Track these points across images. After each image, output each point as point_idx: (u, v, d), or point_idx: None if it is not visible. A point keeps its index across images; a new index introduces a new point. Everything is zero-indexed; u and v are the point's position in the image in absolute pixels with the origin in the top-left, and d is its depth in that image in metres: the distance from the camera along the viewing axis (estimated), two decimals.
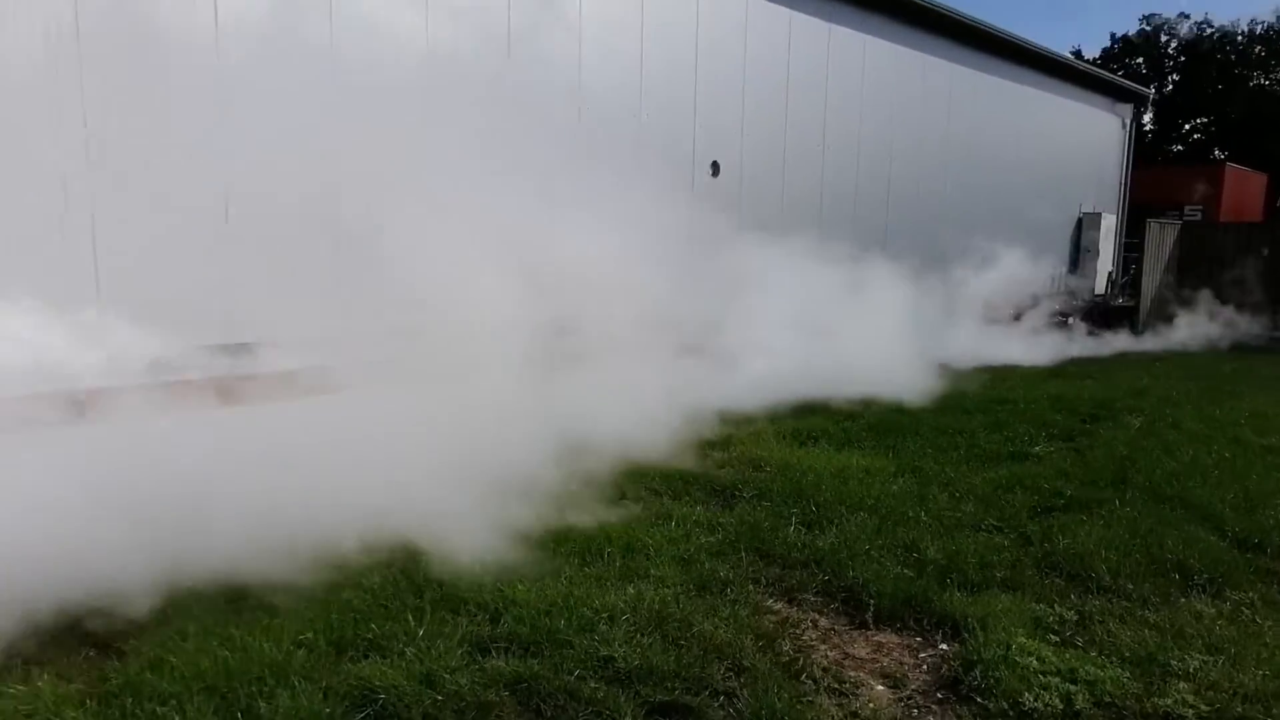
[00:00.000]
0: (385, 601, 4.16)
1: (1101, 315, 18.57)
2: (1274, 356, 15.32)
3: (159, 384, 5.56)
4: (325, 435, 5.23)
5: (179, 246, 6.43)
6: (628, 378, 8.06)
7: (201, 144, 6.37)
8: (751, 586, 4.62)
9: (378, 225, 6.09)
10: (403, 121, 6.39)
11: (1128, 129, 22.51)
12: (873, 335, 9.91)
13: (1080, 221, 20.80)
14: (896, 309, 10.38)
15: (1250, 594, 4.69)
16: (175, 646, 3.73)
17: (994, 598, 4.50)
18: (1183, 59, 46.21)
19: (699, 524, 5.48)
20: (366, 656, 3.72)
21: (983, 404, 9.62)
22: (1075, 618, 4.36)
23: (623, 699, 3.50)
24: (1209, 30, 45.60)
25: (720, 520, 5.55)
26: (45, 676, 3.58)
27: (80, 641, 3.84)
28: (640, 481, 6.28)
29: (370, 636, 3.84)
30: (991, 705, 3.61)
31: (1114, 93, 22.03)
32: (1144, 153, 31.26)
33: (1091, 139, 21.25)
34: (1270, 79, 44.45)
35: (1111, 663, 3.92)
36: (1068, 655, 3.95)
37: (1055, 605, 4.48)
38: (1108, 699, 3.65)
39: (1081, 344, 15.58)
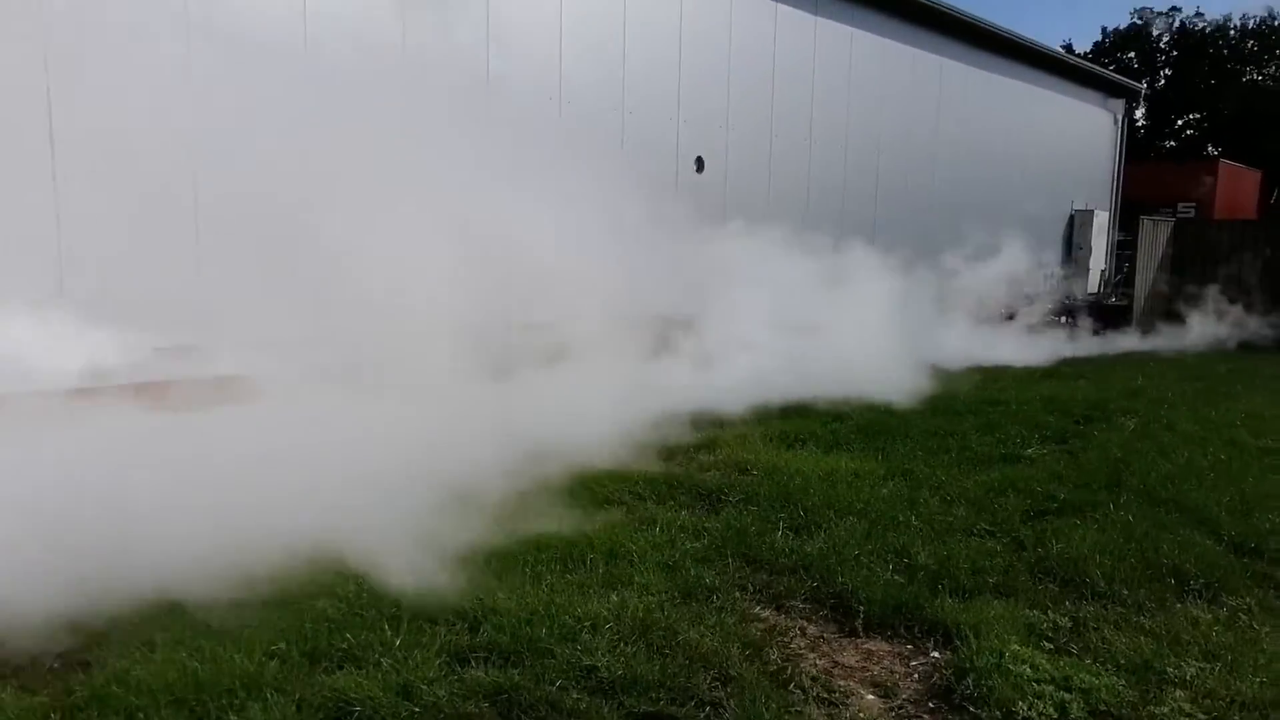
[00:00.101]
0: (361, 610, 4.13)
1: (1095, 314, 18.69)
2: (1271, 356, 15.47)
3: (83, 389, 5.43)
4: (275, 443, 5.13)
5: (99, 239, 6.29)
6: (605, 378, 8.08)
7: (119, 136, 6.18)
8: (738, 593, 4.62)
9: (327, 223, 5.96)
10: (359, 116, 6.32)
11: (1120, 124, 22.68)
12: (861, 334, 9.94)
13: (1072, 219, 20.95)
14: (885, 307, 10.41)
15: (1247, 599, 4.72)
16: (142, 658, 3.69)
17: (986, 604, 4.51)
18: (1175, 53, 46.62)
19: (684, 529, 5.47)
20: (341, 667, 3.69)
21: (974, 405, 9.66)
22: (1069, 624, 4.38)
23: (606, 710, 3.48)
24: (1200, 24, 46.03)
25: (706, 525, 5.55)
26: (8, 689, 3.53)
27: (43, 653, 3.79)
28: (623, 485, 6.27)
29: (345, 647, 3.81)
30: (984, 715, 3.61)
31: (1106, 87, 22.19)
32: (1136, 149, 31.48)
33: (1083, 134, 21.40)
34: (1263, 74, 44.90)
35: (1107, 670, 3.93)
36: (1062, 663, 3.97)
37: (1049, 612, 4.50)
38: (1103, 708, 3.67)
39: (1074, 343, 15.69)
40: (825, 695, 3.76)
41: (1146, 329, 17.68)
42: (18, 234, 6.34)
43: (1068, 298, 18.68)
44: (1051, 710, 3.61)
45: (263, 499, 4.64)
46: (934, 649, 4.19)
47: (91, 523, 4.25)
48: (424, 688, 3.53)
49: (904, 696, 3.82)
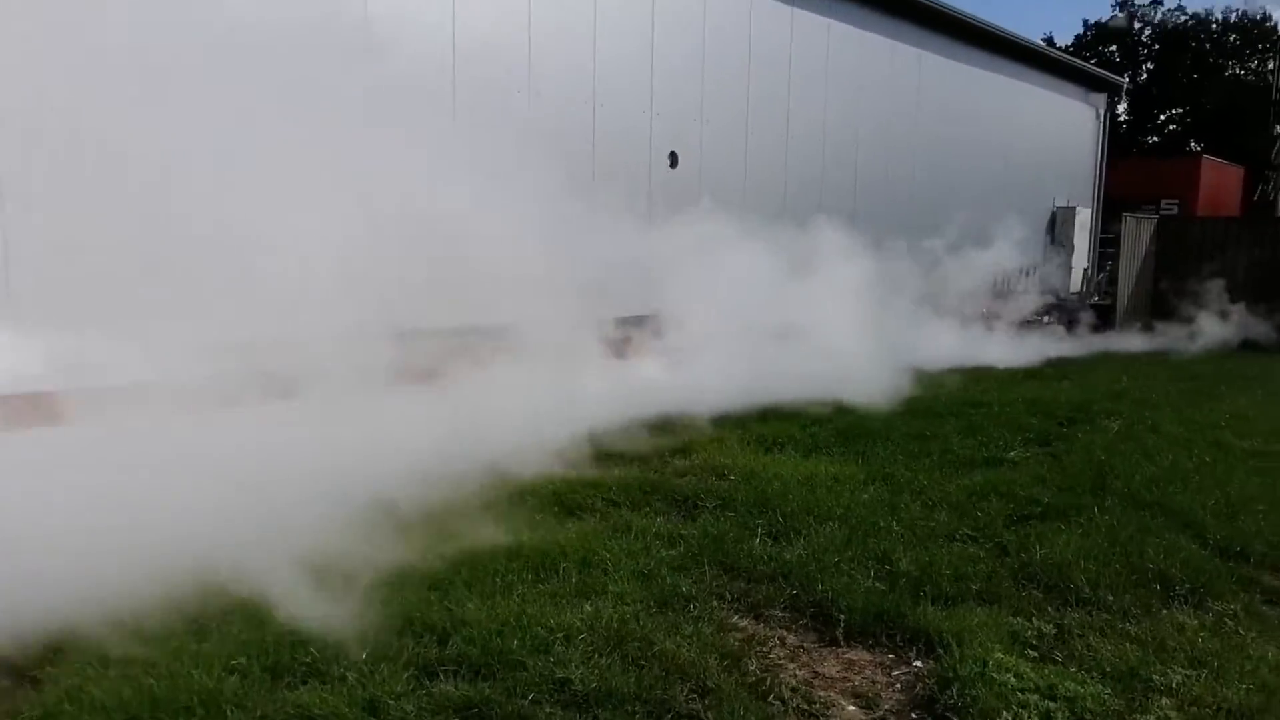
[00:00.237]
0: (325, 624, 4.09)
1: (1077, 313, 18.89)
2: (1256, 356, 15.70)
3: None
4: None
5: None
6: (568, 381, 8.07)
7: None
8: (715, 602, 4.63)
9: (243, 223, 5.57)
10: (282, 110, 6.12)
11: (1102, 119, 22.93)
12: (840, 334, 9.98)
13: (1055, 216, 21.15)
14: (864, 306, 10.46)
15: (1233, 604, 4.79)
16: (96, 675, 3.65)
17: (969, 611, 4.55)
18: (1157, 47, 47.22)
19: (659, 536, 5.48)
20: (305, 683, 3.66)
21: (956, 407, 9.74)
22: (1054, 631, 4.42)
23: None
24: (1183, 18, 46.67)
25: (682, 532, 5.55)
26: None
27: None
28: (596, 492, 6.26)
29: (309, 661, 3.78)
30: None
31: (1088, 82, 22.43)
32: (1119, 144, 31.88)
33: (1065, 130, 21.62)
34: (1246, 68, 45.58)
35: (1092, 678, 3.98)
36: (1047, 671, 4.00)
37: (1033, 618, 4.54)
38: (1088, 716, 3.71)
39: (1057, 343, 15.84)
40: (805, 707, 3.78)
41: (1129, 328, 17.88)
42: None
43: (1050, 296, 18.85)
44: (1036, 719, 3.65)
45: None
46: (916, 658, 4.21)
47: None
48: (391, 703, 3.51)
49: (886, 707, 3.85)
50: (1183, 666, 4.09)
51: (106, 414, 4.97)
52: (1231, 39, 46.18)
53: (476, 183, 7.01)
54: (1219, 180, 30.20)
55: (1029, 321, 16.80)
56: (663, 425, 8.38)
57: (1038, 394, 10.78)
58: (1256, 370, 13.76)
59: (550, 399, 7.50)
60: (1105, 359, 14.95)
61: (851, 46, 14.95)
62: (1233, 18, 46.05)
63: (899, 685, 4.01)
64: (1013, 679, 3.89)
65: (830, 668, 4.14)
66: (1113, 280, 19.29)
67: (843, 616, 4.48)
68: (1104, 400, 10.46)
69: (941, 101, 17.18)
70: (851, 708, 3.84)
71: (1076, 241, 21.22)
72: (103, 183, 5.23)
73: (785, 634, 4.41)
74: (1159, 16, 46.87)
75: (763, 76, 13.27)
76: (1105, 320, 18.37)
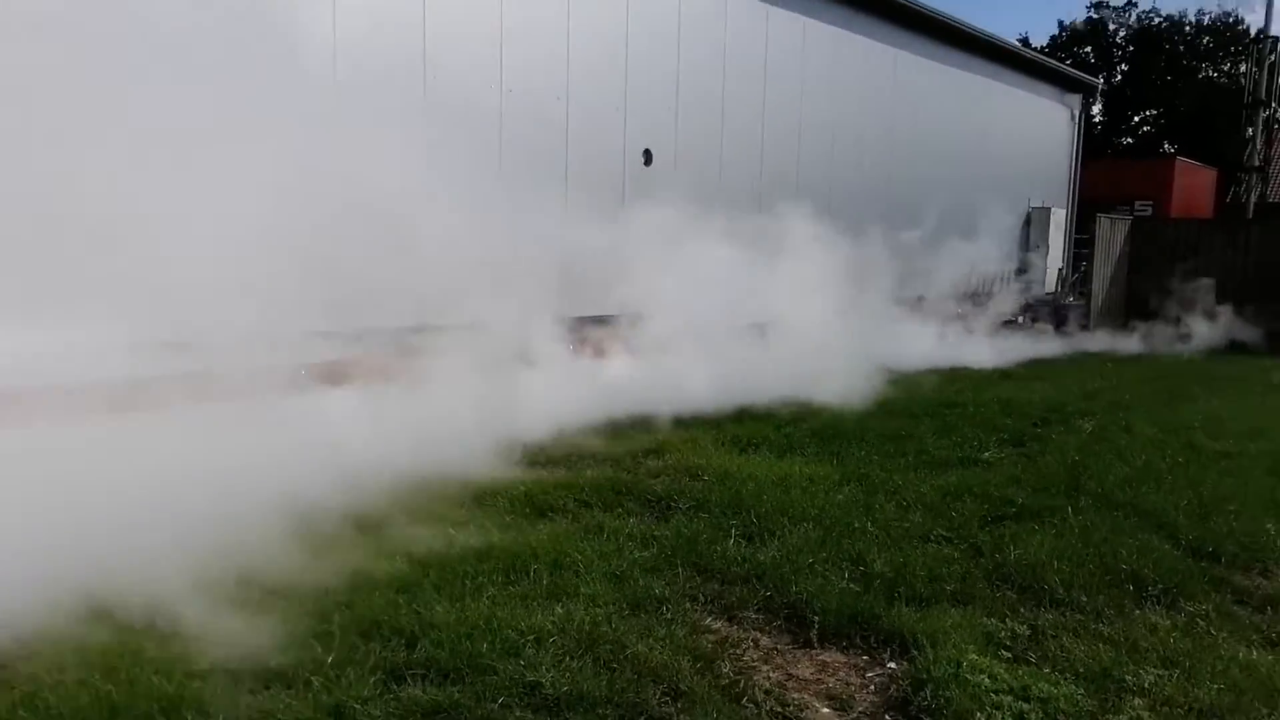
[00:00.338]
0: (290, 626, 4.06)
1: (1052, 314, 19.08)
2: (1229, 357, 15.90)
3: None
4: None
5: None
6: (537, 380, 8.07)
7: None
8: (689, 604, 4.62)
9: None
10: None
11: (1077, 120, 23.16)
12: (814, 334, 10.02)
13: (1029, 216, 21.32)
14: (839, 306, 10.50)
15: (1205, 605, 4.84)
16: (52, 680, 3.59)
17: (944, 612, 4.57)
18: (1131, 49, 47.75)
19: (632, 537, 5.47)
20: (269, 688, 3.63)
21: (930, 408, 9.80)
22: (1028, 632, 4.45)
23: None
24: (1157, 19, 47.23)
25: (655, 533, 5.55)
26: None
27: None
28: (568, 493, 6.25)
29: (273, 665, 3.74)
30: None
31: (1063, 82, 22.64)
32: (1093, 145, 32.20)
33: (1040, 130, 21.82)
34: (1219, 70, 46.18)
35: (1065, 679, 4.01)
36: (1020, 672, 4.03)
37: (1007, 619, 4.57)
38: (1061, 717, 3.73)
39: (1032, 344, 15.98)
40: (779, 709, 3.78)
41: (1104, 328, 18.07)
42: None
43: (1025, 297, 19.02)
44: None
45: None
46: (890, 659, 4.23)
47: None
48: (357, 707, 3.49)
49: (860, 709, 3.86)
50: (1155, 667, 4.13)
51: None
52: (1205, 41, 46.78)
53: (438, 180, 6.95)
54: (1192, 182, 30.60)
55: (1005, 321, 16.93)
56: (635, 425, 8.40)
57: (1012, 394, 10.87)
58: (1230, 371, 13.95)
59: (516, 399, 7.50)
60: (1080, 359, 15.11)
61: (827, 46, 15.01)
62: (1206, 20, 46.66)
63: (873, 687, 4.02)
64: (986, 680, 3.91)
65: (804, 670, 4.14)
66: (1087, 281, 19.48)
67: (817, 618, 4.49)
68: (1078, 401, 10.57)
69: (917, 102, 17.29)
70: (825, 710, 3.85)
71: (1051, 242, 21.42)
72: None
73: (759, 636, 4.41)
74: (1133, 18, 47.45)
75: (738, 77, 13.30)
76: (1080, 321, 18.56)
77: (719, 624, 4.49)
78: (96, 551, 4.22)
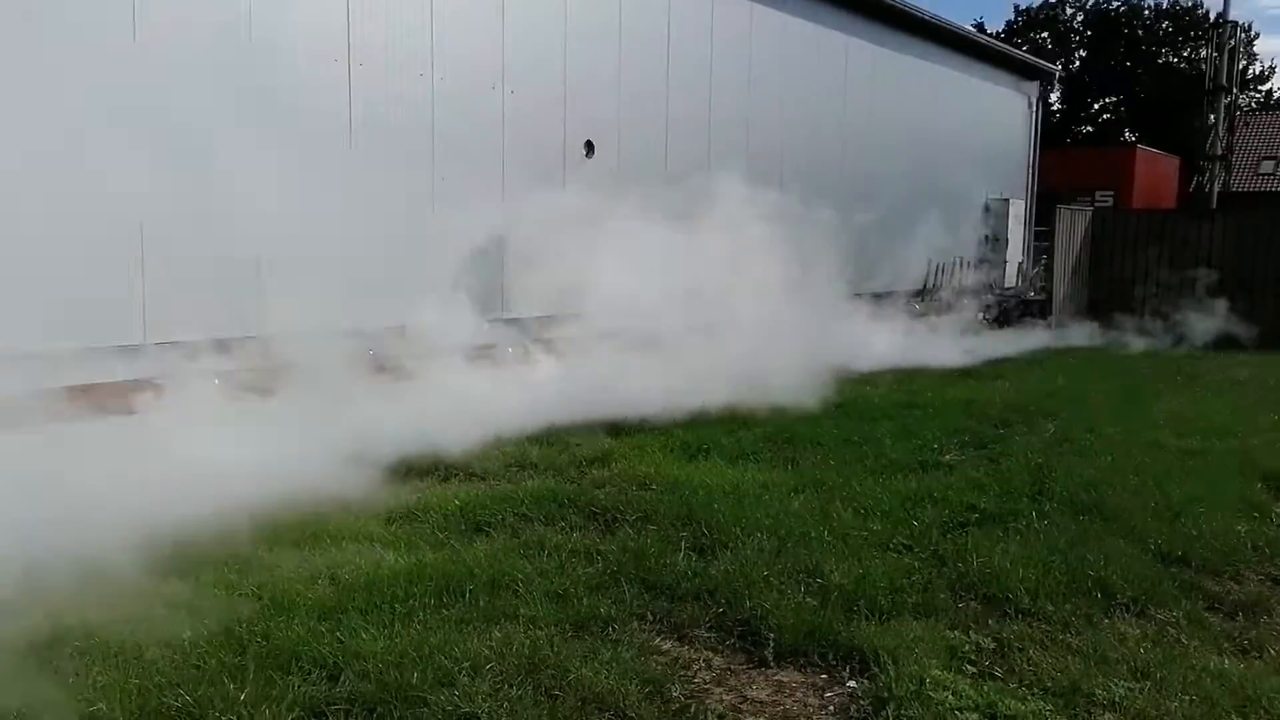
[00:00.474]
0: (198, 661, 3.92)
1: (1013, 309, 19.31)
2: (1193, 353, 16.18)
3: None
4: None
5: None
6: (469, 383, 7.98)
7: None
8: (636, 624, 4.56)
9: None
10: None
11: (1034, 108, 23.49)
12: (766, 333, 10.01)
13: (987, 208, 21.56)
14: (792, 303, 10.50)
15: (1175, 612, 4.87)
16: None
17: (905, 626, 4.55)
18: (1089, 34, 48.68)
19: (575, 553, 5.40)
20: None
21: (889, 409, 9.84)
22: (993, 645, 4.44)
23: None
24: (1115, 3, 48.18)
25: (600, 548, 5.48)
26: None
27: None
28: (506, 506, 6.16)
29: (180, 704, 3.60)
30: None
31: (1020, 69, 22.96)
32: (1052, 134, 32.73)
33: (997, 119, 22.09)
34: (1179, 56, 47.23)
35: (1033, 694, 4.00)
36: (986, 688, 4.01)
37: (971, 632, 4.56)
38: None
39: (992, 341, 16.14)
40: None
41: (1065, 323, 18.32)
42: None
43: (985, 292, 19.24)
44: None
45: None
46: (850, 677, 4.19)
47: None
48: None
49: None
50: (1125, 679, 4.13)
51: None
52: (1164, 26, 47.82)
53: (363, 182, 6.85)
54: (1154, 171, 31.27)
55: (965, 317, 17.10)
56: (580, 432, 8.32)
57: (973, 394, 10.96)
58: (1194, 367, 14.20)
59: (450, 406, 7.40)
60: (1041, 356, 15.28)
61: (775, 33, 15.06)
62: (1164, 4, 47.69)
63: (832, 707, 3.98)
64: (951, 697, 3.89)
65: (759, 691, 4.09)
66: (1048, 274, 19.74)
67: (772, 635, 4.45)
68: (1040, 400, 10.67)
69: (870, 90, 17.41)
70: None
71: (1011, 235, 21.68)
72: None
73: (711, 655, 4.36)
74: (1090, 3, 48.34)
75: (683, 63, 13.28)
76: (1041, 315, 18.80)
77: (669, 644, 4.43)
78: None
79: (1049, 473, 7.29)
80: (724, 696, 4.02)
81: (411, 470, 7.06)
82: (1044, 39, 48.22)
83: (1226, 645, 4.57)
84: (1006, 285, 21.08)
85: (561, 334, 10.04)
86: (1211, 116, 26.17)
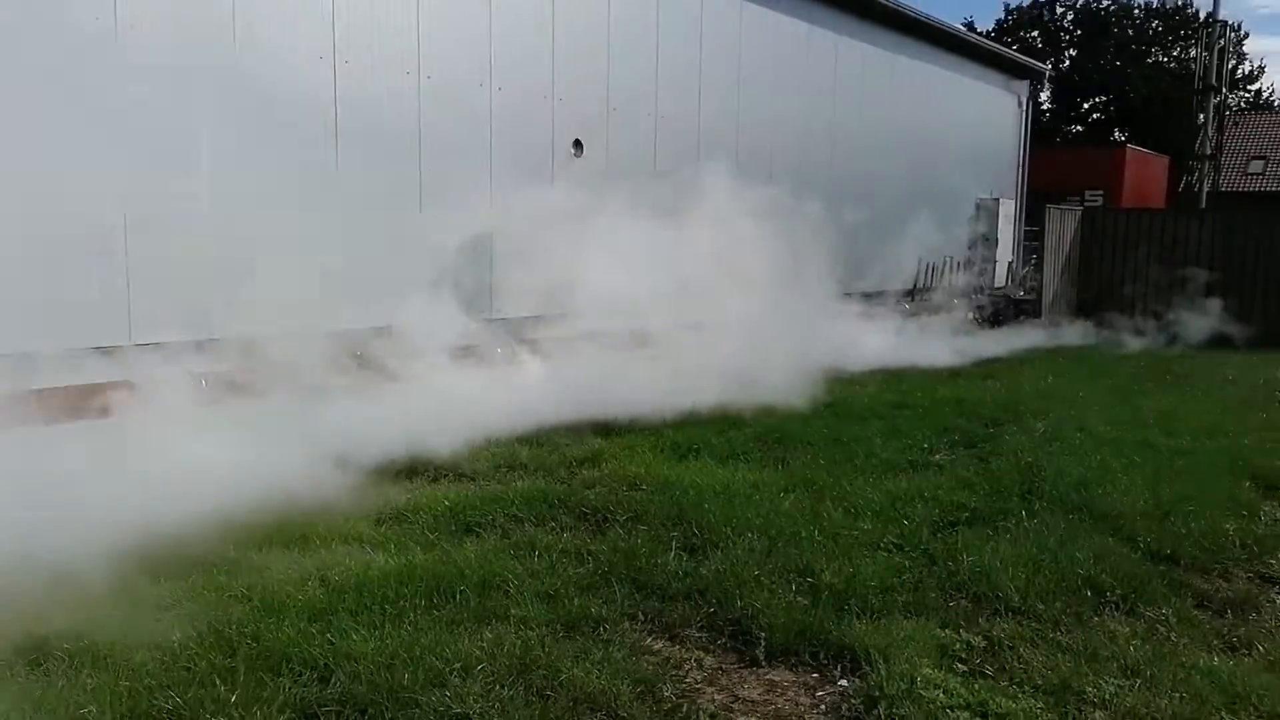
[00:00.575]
0: (188, 663, 3.93)
1: (1003, 309, 19.39)
2: (1182, 352, 16.27)
3: None
4: None
5: None
6: (460, 383, 7.99)
7: None
8: (627, 624, 4.58)
9: None
10: None
11: (1025, 108, 23.57)
12: (757, 333, 10.04)
13: (977, 208, 21.61)
14: (782, 304, 10.54)
15: (1164, 610, 4.92)
16: None
17: (896, 625, 4.58)
18: (1079, 33, 48.86)
19: (566, 553, 5.42)
20: None
21: (879, 408, 9.88)
22: (984, 644, 4.48)
23: None
24: (1105, 2, 48.38)
25: (591, 548, 5.50)
26: None
27: None
28: (496, 507, 6.18)
29: (170, 707, 3.61)
30: None
31: (1010, 69, 23.03)
32: (1042, 133, 32.86)
33: (987, 118, 22.16)
34: (1169, 56, 47.46)
35: (1024, 693, 4.04)
36: (977, 686, 4.05)
37: (962, 631, 4.60)
38: None
39: (982, 341, 16.20)
40: None
41: (1055, 322, 18.41)
42: None
43: (975, 291, 19.31)
44: None
45: None
46: (841, 676, 4.22)
47: None
48: None
49: None
50: (1115, 676, 4.18)
51: None
52: (1154, 25, 48.03)
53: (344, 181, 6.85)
54: (1144, 170, 31.41)
55: (954, 318, 17.16)
56: (570, 432, 8.34)
57: (963, 393, 11.01)
58: (1184, 366, 14.27)
59: (441, 407, 7.41)
60: (1031, 355, 15.33)
61: (767, 32, 15.09)
62: (1155, 3, 47.92)
63: (823, 706, 4.01)
64: (942, 695, 3.92)
65: (751, 690, 4.12)
66: (1038, 274, 19.82)
67: (763, 634, 4.48)
68: (1030, 399, 10.72)
69: (860, 89, 17.45)
70: None
71: (1001, 234, 21.72)
72: None
73: (703, 655, 4.38)
74: (1080, 2, 48.51)
75: (672, 63, 13.31)
76: (1030, 315, 18.88)
77: (660, 644, 4.46)
78: None
79: (1039, 472, 7.33)
80: (716, 696, 4.04)
81: (400, 471, 7.08)
82: (1034, 38, 48.38)
83: (1215, 642, 4.62)
84: (997, 285, 21.15)
85: (550, 334, 10.03)
86: (1201, 116, 26.33)
